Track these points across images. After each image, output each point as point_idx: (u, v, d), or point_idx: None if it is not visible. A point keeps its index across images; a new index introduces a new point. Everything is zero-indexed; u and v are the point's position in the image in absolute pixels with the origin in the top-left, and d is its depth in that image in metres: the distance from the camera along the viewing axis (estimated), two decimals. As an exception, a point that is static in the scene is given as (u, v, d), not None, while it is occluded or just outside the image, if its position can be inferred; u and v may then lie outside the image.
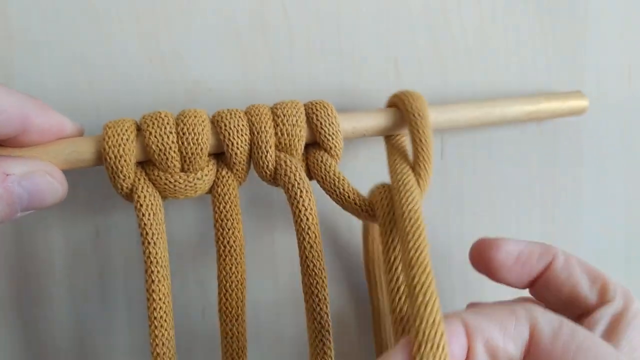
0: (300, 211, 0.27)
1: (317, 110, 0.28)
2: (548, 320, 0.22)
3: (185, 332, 0.35)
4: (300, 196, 0.27)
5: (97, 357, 0.35)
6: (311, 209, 0.27)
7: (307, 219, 0.27)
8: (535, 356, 0.22)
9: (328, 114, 0.28)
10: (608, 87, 0.33)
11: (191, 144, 0.26)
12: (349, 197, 0.28)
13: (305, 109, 0.28)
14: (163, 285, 0.27)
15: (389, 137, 0.30)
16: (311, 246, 0.27)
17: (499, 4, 0.33)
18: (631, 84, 0.34)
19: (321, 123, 0.28)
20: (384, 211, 0.27)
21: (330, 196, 0.28)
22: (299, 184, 0.27)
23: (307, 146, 0.29)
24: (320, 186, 0.29)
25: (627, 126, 0.34)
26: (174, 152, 0.26)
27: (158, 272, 0.27)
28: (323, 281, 0.27)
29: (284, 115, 0.28)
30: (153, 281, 0.27)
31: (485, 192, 0.35)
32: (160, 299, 0.27)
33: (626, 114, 0.34)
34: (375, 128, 0.30)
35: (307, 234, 0.27)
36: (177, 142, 0.26)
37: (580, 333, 0.22)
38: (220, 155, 0.28)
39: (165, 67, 0.32)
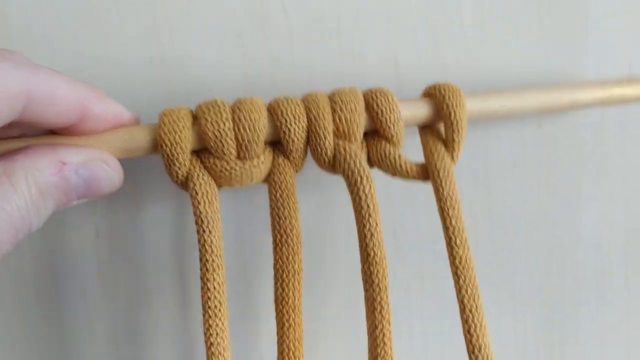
0: (361, 198, 0.26)
1: (376, 97, 0.28)
2: None
3: (185, 332, 0.35)
4: (361, 182, 0.26)
5: (97, 355, 0.35)
6: (372, 195, 0.26)
7: (369, 206, 0.26)
8: None
9: (388, 101, 0.27)
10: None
11: (247, 130, 0.26)
12: (410, 177, 0.28)
13: (364, 96, 0.28)
14: (218, 274, 0.26)
15: (424, 127, 0.30)
16: (372, 234, 0.26)
17: (499, 3, 0.33)
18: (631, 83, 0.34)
19: (382, 111, 0.27)
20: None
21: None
22: (359, 170, 0.27)
23: (366, 134, 0.28)
24: (384, 172, 0.29)
25: (626, 126, 0.34)
26: (230, 139, 0.26)
27: (213, 260, 0.26)
28: (384, 270, 0.27)
29: (342, 102, 0.27)
30: (207, 270, 0.26)
31: (485, 192, 0.35)
32: (214, 288, 0.26)
33: (626, 113, 0.34)
34: (411, 118, 0.29)
35: (369, 221, 0.26)
36: (234, 129, 0.26)
37: None
38: (276, 143, 0.28)
39: (165, 67, 0.32)
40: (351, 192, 0.27)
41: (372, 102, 0.28)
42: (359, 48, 0.33)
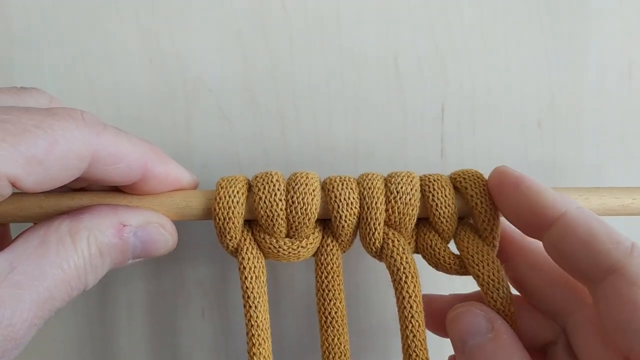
0: (404, 297, 0.26)
1: (434, 189, 0.27)
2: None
3: (186, 332, 0.35)
4: (405, 282, 0.26)
5: (97, 356, 0.35)
6: (416, 295, 0.26)
7: (412, 306, 0.26)
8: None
9: (446, 195, 0.27)
10: (608, 86, 0.33)
11: (299, 213, 0.26)
12: (450, 270, 0.27)
13: (421, 183, 0.27)
14: (264, 348, 0.27)
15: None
16: (414, 335, 0.26)
17: (499, 4, 0.33)
18: (631, 83, 0.34)
19: (437, 204, 0.27)
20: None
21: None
22: (404, 268, 0.26)
23: (419, 221, 0.28)
24: (427, 262, 0.28)
25: (627, 126, 0.34)
26: (282, 219, 0.26)
27: (259, 335, 0.26)
28: None
29: (397, 193, 0.26)
30: (254, 344, 0.26)
31: (486, 192, 0.35)
32: None
33: (626, 113, 0.34)
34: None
35: (411, 322, 0.26)
36: (286, 209, 0.26)
37: None
38: (327, 221, 0.28)
39: (165, 66, 0.32)
40: (395, 289, 0.27)
41: (428, 193, 0.27)
42: (359, 48, 0.33)
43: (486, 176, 0.27)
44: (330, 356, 0.28)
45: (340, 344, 0.28)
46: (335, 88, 0.33)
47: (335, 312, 0.28)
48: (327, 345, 0.28)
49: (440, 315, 0.28)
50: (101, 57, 0.32)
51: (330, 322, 0.28)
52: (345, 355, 0.28)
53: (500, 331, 0.24)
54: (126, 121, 0.32)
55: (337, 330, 0.28)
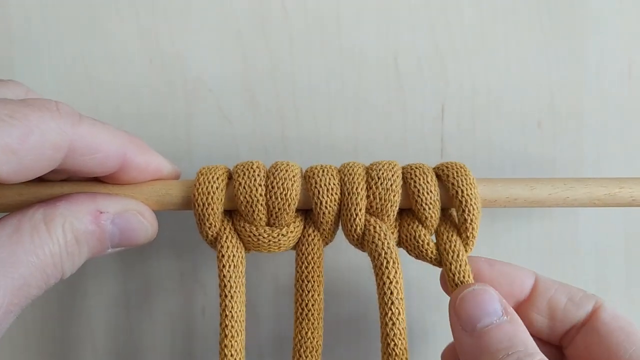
0: (384, 283, 0.26)
1: (415, 176, 0.27)
2: (610, 305, 0.26)
3: (186, 332, 0.35)
4: (387, 267, 0.26)
5: (97, 356, 0.35)
6: (397, 282, 0.26)
7: (392, 292, 0.26)
8: (593, 327, 0.26)
9: (427, 182, 0.26)
10: (608, 86, 0.33)
11: (279, 199, 0.26)
12: (431, 261, 0.27)
13: (403, 172, 0.27)
14: (236, 341, 0.26)
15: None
16: (393, 323, 0.25)
17: (499, 4, 0.33)
18: (631, 83, 0.34)
19: (419, 190, 0.26)
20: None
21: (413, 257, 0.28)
22: (386, 253, 0.26)
23: (401, 211, 0.27)
24: (408, 253, 0.28)
25: (627, 126, 0.34)
26: (261, 204, 0.26)
27: (232, 327, 0.26)
28: None
29: (378, 178, 0.26)
30: (226, 335, 0.26)
31: (486, 192, 0.35)
32: (232, 355, 0.26)
33: (626, 113, 0.34)
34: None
35: (390, 309, 0.25)
36: (265, 195, 0.26)
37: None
38: (309, 212, 0.28)
39: (165, 67, 0.32)
40: (375, 275, 0.26)
41: (410, 180, 0.27)
42: (359, 48, 0.33)
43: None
44: (302, 350, 0.27)
45: (314, 338, 0.27)
46: (335, 88, 0.33)
47: (312, 305, 0.27)
48: (300, 338, 0.27)
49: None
50: (101, 57, 0.32)
51: (306, 315, 0.27)
52: (316, 351, 0.27)
53: (516, 316, 0.24)
54: (126, 121, 0.32)
55: (312, 323, 0.27)
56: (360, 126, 0.33)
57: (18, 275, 0.22)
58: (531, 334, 0.25)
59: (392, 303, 0.25)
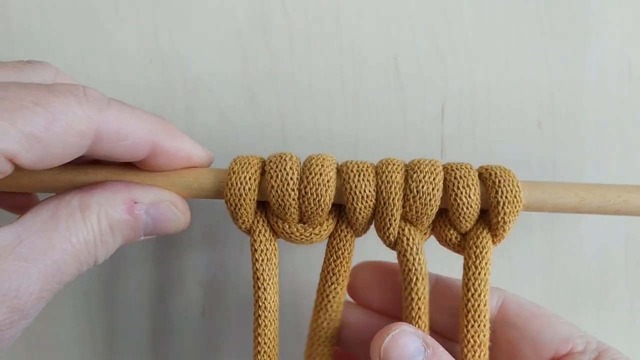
0: (412, 299, 0.26)
1: (458, 188, 0.25)
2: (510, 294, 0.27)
3: (186, 332, 0.35)
4: (415, 284, 0.26)
5: (97, 356, 0.35)
6: (425, 297, 0.26)
7: (419, 308, 0.26)
8: (508, 321, 0.27)
9: (470, 196, 0.25)
10: (608, 86, 0.33)
11: (312, 204, 0.25)
12: (452, 249, 0.27)
13: (445, 176, 0.26)
14: (269, 330, 0.26)
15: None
16: None
17: (499, 4, 0.33)
18: (631, 83, 0.33)
19: (459, 204, 0.25)
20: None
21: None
22: (416, 269, 0.26)
23: (437, 212, 0.26)
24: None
25: (627, 126, 0.34)
26: (294, 208, 0.26)
27: (266, 317, 0.26)
28: None
29: (417, 192, 0.25)
30: (259, 325, 0.26)
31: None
32: (265, 343, 0.26)
33: (626, 113, 0.34)
34: None
35: (417, 323, 0.26)
36: (299, 199, 0.25)
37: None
38: (342, 207, 0.27)
39: (165, 66, 0.32)
40: (404, 288, 0.26)
41: (451, 192, 0.25)
42: (359, 48, 0.33)
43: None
44: (315, 337, 0.27)
45: (329, 329, 0.27)
46: (335, 88, 0.33)
47: (333, 297, 0.27)
48: (316, 326, 0.27)
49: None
50: (101, 57, 0.32)
51: (325, 305, 0.27)
52: (330, 341, 0.27)
53: (434, 345, 0.24)
54: (126, 121, 0.32)
55: (330, 315, 0.27)
56: (360, 126, 0.33)
57: (51, 262, 0.21)
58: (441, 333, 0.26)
59: (420, 318, 0.26)
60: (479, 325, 0.26)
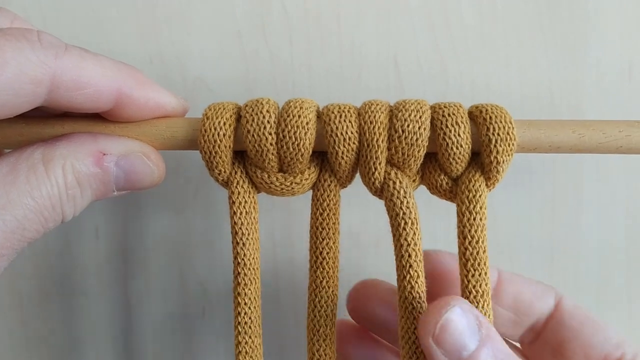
0: (402, 245, 0.24)
1: (446, 127, 0.24)
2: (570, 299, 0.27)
3: (186, 332, 0.35)
4: (404, 228, 0.24)
5: (97, 356, 0.35)
6: (415, 244, 0.24)
7: (410, 255, 0.24)
8: (562, 320, 0.26)
9: (459, 135, 0.23)
10: (608, 86, 0.33)
11: (290, 149, 0.24)
12: (443, 196, 0.25)
13: (433, 116, 0.24)
14: (249, 289, 0.25)
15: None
16: (412, 287, 0.24)
17: (499, 4, 0.33)
18: (631, 83, 0.33)
19: (447, 144, 0.24)
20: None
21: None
22: (404, 213, 0.24)
23: (426, 156, 0.25)
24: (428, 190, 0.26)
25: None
26: (272, 154, 0.24)
27: (245, 274, 0.25)
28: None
29: (402, 132, 0.23)
30: (239, 283, 0.25)
31: (486, 192, 0.35)
32: (245, 303, 0.25)
33: (626, 113, 0.34)
34: None
35: (409, 272, 0.24)
36: (277, 144, 0.24)
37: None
38: (325, 155, 0.25)
39: (165, 66, 0.32)
40: (393, 235, 0.24)
41: (439, 131, 0.24)
42: (359, 48, 0.33)
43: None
44: (317, 299, 0.25)
45: (329, 287, 0.26)
46: (336, 88, 0.33)
47: (327, 253, 0.25)
48: (315, 287, 0.26)
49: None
50: (101, 57, 0.32)
51: (321, 263, 0.26)
52: (332, 301, 0.26)
53: (489, 325, 0.23)
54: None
55: (327, 272, 0.26)
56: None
57: (11, 218, 0.20)
58: None
59: (411, 266, 0.24)
60: (479, 274, 0.24)
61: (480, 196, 0.24)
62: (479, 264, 0.24)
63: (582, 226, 0.35)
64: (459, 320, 0.22)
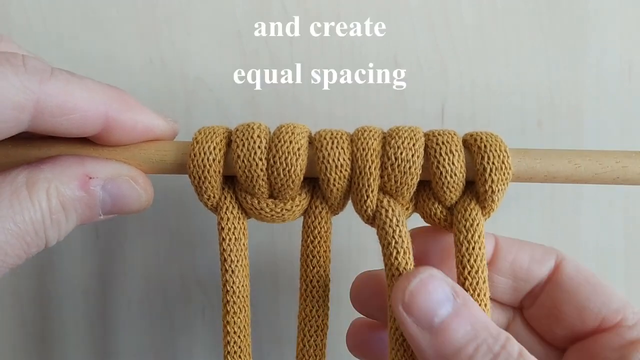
0: (393, 275, 0.23)
1: (441, 155, 0.23)
2: (570, 257, 0.26)
3: (186, 332, 0.35)
4: (396, 258, 0.23)
5: (97, 356, 0.35)
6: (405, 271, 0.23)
7: None
8: (558, 283, 0.25)
9: (453, 163, 0.23)
10: (608, 86, 0.33)
11: (281, 175, 0.23)
12: (439, 226, 0.25)
13: (427, 144, 0.23)
14: (239, 317, 0.24)
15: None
16: None
17: (499, 4, 0.33)
18: (631, 83, 0.33)
19: (442, 172, 0.23)
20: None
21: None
22: (396, 242, 0.23)
23: (419, 184, 0.24)
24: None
25: (627, 126, 0.34)
26: (263, 180, 0.23)
27: (234, 302, 0.24)
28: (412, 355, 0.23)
29: (395, 159, 0.23)
30: (228, 312, 0.24)
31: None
32: (235, 332, 0.24)
33: (626, 113, 0.34)
34: None
35: None
36: (267, 170, 0.23)
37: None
38: (316, 181, 0.25)
39: (165, 66, 0.32)
40: (385, 264, 0.24)
41: (433, 159, 0.23)
42: (359, 48, 0.33)
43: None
44: (306, 329, 0.25)
45: (319, 317, 0.25)
46: (336, 88, 0.33)
47: (317, 282, 0.25)
48: (304, 316, 0.25)
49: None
50: (101, 58, 0.32)
51: (311, 292, 0.25)
52: (322, 330, 0.25)
53: (464, 295, 0.22)
54: (126, 121, 0.32)
55: (317, 301, 0.25)
56: (360, 126, 0.33)
57: None
58: (492, 298, 0.24)
59: None
60: (480, 305, 0.23)
61: (477, 225, 0.24)
62: (478, 295, 0.23)
63: (582, 227, 0.35)
64: (429, 286, 0.22)
